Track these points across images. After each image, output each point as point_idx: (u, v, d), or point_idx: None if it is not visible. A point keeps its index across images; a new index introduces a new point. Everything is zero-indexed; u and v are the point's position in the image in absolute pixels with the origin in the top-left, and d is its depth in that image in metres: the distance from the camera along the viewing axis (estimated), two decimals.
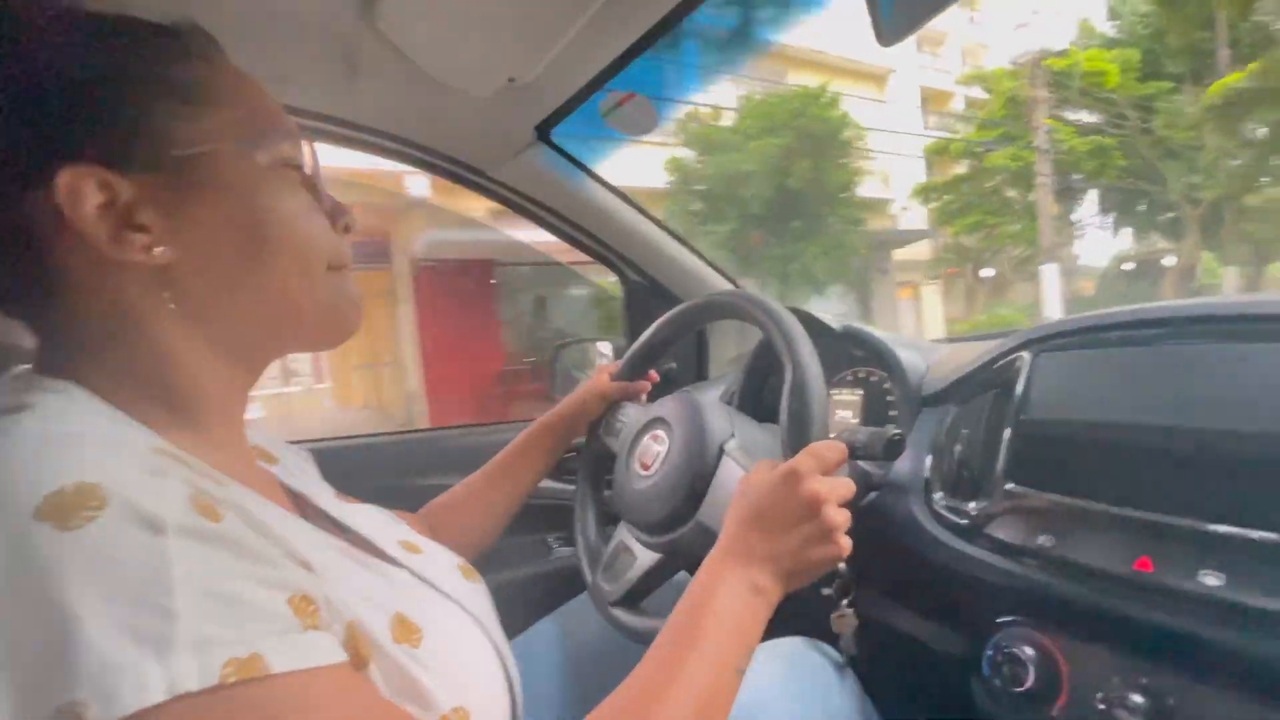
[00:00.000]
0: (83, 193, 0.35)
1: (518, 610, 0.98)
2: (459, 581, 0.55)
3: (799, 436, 0.58)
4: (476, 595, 0.55)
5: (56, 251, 0.37)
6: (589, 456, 0.88)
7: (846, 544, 0.52)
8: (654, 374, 0.91)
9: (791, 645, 0.73)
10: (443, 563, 0.56)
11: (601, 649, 0.79)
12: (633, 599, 0.70)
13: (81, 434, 0.34)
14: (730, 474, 0.68)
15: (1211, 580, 0.47)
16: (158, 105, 0.38)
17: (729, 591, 0.48)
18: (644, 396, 0.88)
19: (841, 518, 0.51)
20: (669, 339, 0.88)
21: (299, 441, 1.08)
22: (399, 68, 0.83)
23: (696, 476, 0.67)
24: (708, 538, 0.65)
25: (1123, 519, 0.53)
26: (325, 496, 0.54)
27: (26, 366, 0.40)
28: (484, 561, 0.78)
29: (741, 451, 0.70)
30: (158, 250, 0.37)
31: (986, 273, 14.99)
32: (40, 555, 0.27)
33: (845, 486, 0.52)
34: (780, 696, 0.65)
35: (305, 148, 0.45)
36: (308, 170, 0.45)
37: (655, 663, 0.45)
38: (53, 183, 0.35)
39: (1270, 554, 0.45)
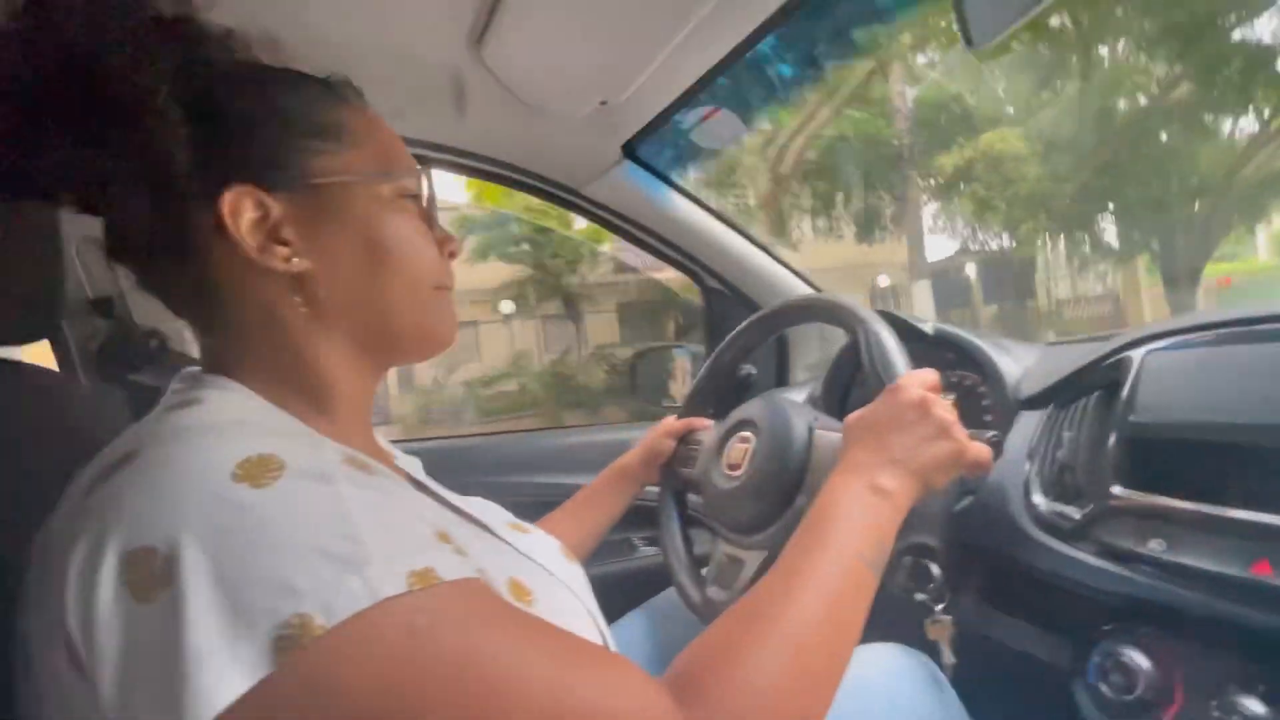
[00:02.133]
0: (242, 209, 0.42)
1: (603, 604, 1.02)
2: (563, 563, 0.59)
3: (887, 370, 0.61)
4: (576, 575, 0.59)
5: (212, 259, 0.44)
6: (667, 491, 0.89)
7: (972, 445, 0.53)
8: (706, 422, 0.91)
9: (886, 652, 0.73)
10: (548, 544, 0.61)
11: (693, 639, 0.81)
12: None
13: (247, 419, 0.41)
14: (824, 445, 0.69)
15: None
16: (305, 141, 0.45)
17: (851, 497, 0.50)
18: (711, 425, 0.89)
19: (953, 418, 0.53)
20: (734, 361, 0.90)
21: (410, 440, 1.18)
22: (500, 96, 0.91)
23: (790, 460, 0.69)
24: None
25: (1239, 522, 0.51)
26: (437, 487, 0.60)
27: (195, 367, 0.48)
28: None
29: (831, 429, 0.71)
30: (295, 261, 0.44)
31: None
32: (243, 508, 0.34)
33: (950, 410, 0.54)
34: (875, 704, 0.65)
35: (423, 182, 0.52)
36: (424, 202, 0.52)
37: (781, 568, 0.47)
38: (218, 199, 0.41)
39: None
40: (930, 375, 0.57)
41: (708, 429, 0.90)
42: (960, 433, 0.53)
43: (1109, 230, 9.69)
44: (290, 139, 0.45)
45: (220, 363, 0.46)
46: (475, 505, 0.60)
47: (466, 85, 0.91)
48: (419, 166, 0.53)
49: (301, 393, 0.46)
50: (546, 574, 0.53)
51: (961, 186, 9.67)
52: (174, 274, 0.45)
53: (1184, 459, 0.57)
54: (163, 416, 0.41)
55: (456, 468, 1.14)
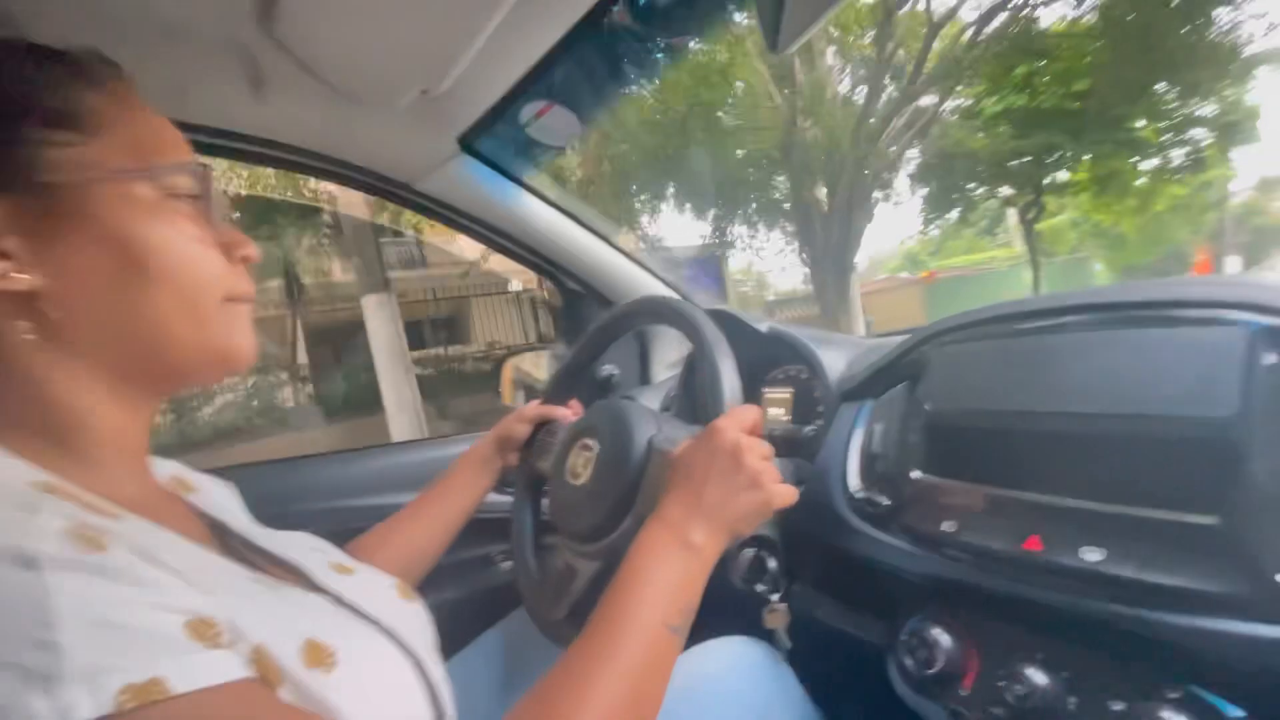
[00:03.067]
0: None
1: (463, 626, 0.96)
2: (394, 600, 0.55)
3: (714, 401, 0.61)
4: (411, 615, 0.55)
5: None
6: (522, 481, 0.87)
7: (778, 490, 0.54)
8: (575, 403, 0.91)
9: (728, 645, 0.74)
10: (377, 583, 0.56)
11: (547, 659, 0.79)
12: (578, 614, 0.69)
13: None
14: (659, 464, 0.68)
15: (1093, 555, 0.49)
16: (29, 130, 0.38)
17: (659, 554, 0.50)
18: (571, 416, 0.88)
19: (765, 466, 0.54)
20: (587, 359, 0.89)
21: (238, 466, 1.06)
22: (305, 81, 0.82)
23: (628, 473, 0.68)
24: None
25: (1015, 501, 0.55)
26: (245, 523, 0.54)
27: None
28: (426, 578, 0.78)
29: (669, 442, 0.71)
30: (17, 278, 0.37)
31: None
32: None
33: (763, 445, 0.55)
34: (718, 695, 0.66)
35: (200, 179, 0.44)
36: (204, 201, 0.44)
37: (589, 634, 0.46)
38: None
39: (1146, 529, 0.48)
40: (750, 415, 0.58)
41: (566, 418, 0.87)
42: (770, 480, 0.54)
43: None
44: (10, 128, 0.37)
45: None
46: (295, 543, 0.54)
47: (263, 66, 0.81)
48: (200, 160, 0.45)
49: (36, 432, 0.38)
50: (360, 621, 0.47)
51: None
52: None
53: (971, 445, 0.61)
54: None
55: (287, 493, 1.04)
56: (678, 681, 0.70)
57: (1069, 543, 0.51)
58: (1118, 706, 0.49)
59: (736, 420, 0.56)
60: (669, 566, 0.50)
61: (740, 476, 0.53)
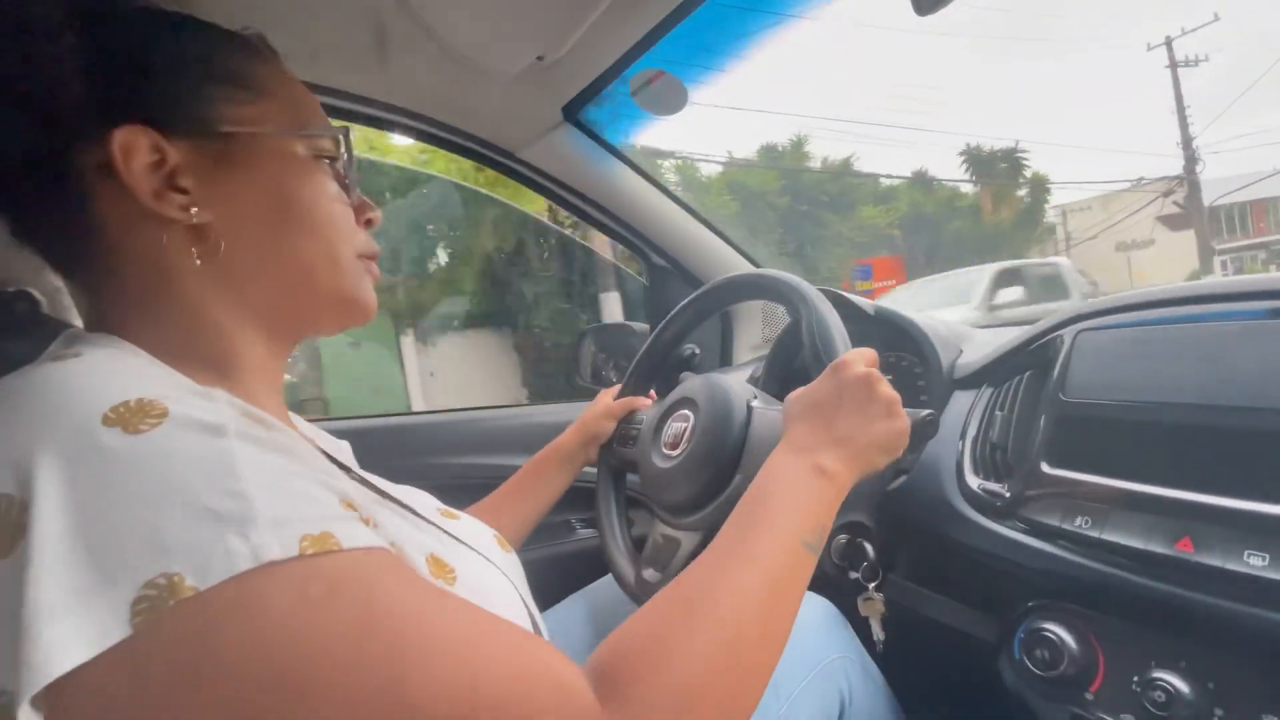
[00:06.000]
0: (135, 149, 0.39)
1: (541, 588, 0.99)
2: (496, 549, 0.57)
3: (827, 348, 0.61)
4: (510, 563, 0.57)
5: (99, 205, 0.40)
6: (605, 471, 0.87)
7: (906, 422, 0.53)
8: (654, 394, 0.90)
9: None
10: (479, 530, 0.58)
11: None
12: None
13: (130, 365, 0.37)
14: (763, 423, 0.68)
15: (1256, 560, 0.46)
16: (212, 87, 0.42)
17: (792, 476, 0.49)
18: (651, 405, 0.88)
19: (897, 395, 0.52)
20: (674, 339, 0.88)
21: (339, 420, 1.11)
22: (428, 45, 0.84)
23: (728, 438, 0.67)
24: None
25: (1163, 500, 0.52)
26: (361, 471, 0.56)
27: (78, 328, 0.43)
28: None
29: (769, 406, 0.70)
30: (194, 211, 0.41)
31: None
32: (112, 454, 0.29)
33: (892, 389, 0.54)
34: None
35: (342, 146, 0.49)
36: (342, 166, 0.49)
37: (716, 549, 0.45)
38: (108, 137, 0.38)
39: None
40: (871, 354, 0.56)
41: (647, 408, 0.87)
42: (902, 411, 0.52)
43: None
44: (195, 83, 0.42)
45: (106, 323, 0.41)
46: (404, 492, 0.57)
47: (389, 31, 0.83)
48: (340, 128, 0.49)
49: (199, 358, 0.42)
50: (475, 555, 0.50)
51: None
52: (55, 221, 0.41)
53: (1111, 438, 0.57)
54: (28, 371, 0.35)
55: (386, 450, 1.08)
56: None
57: (1226, 545, 0.48)
58: None
59: (861, 356, 0.55)
60: (801, 487, 0.48)
61: (874, 405, 0.51)
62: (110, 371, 0.35)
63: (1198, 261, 15.42)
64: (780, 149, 14.08)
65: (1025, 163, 16.81)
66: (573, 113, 1.03)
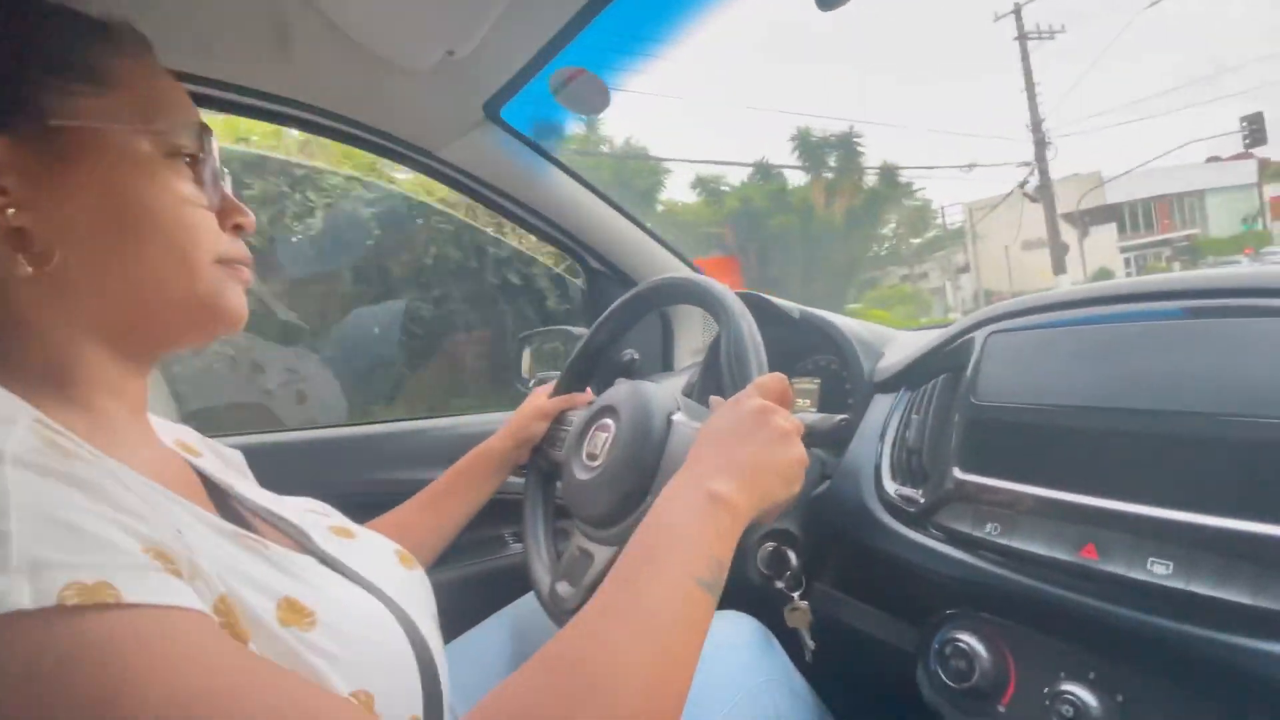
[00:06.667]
0: None
1: (473, 604, 0.94)
2: (394, 568, 0.54)
3: (741, 376, 0.58)
4: (411, 582, 0.53)
5: None
6: (535, 475, 0.85)
7: (803, 452, 0.51)
8: (589, 392, 0.88)
9: (719, 620, 0.71)
10: (377, 548, 0.55)
11: None
12: None
13: None
14: (681, 441, 0.65)
15: (1159, 568, 0.44)
16: (44, 77, 0.39)
17: (685, 505, 0.46)
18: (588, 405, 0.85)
19: (793, 426, 0.51)
20: (606, 342, 0.86)
21: (249, 434, 1.05)
22: (332, 39, 0.79)
23: (648, 451, 0.65)
24: None
25: (1069, 505, 0.50)
26: (249, 487, 0.53)
27: None
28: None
29: (690, 419, 0.68)
30: (10, 212, 0.37)
31: None
32: None
33: (792, 419, 0.52)
34: (707, 673, 0.62)
35: (206, 144, 0.45)
36: (205, 165, 0.45)
37: (611, 584, 0.41)
38: None
39: (1219, 541, 0.43)
40: (779, 382, 0.54)
41: (581, 406, 0.84)
42: (799, 443, 0.51)
43: None
44: (24, 71, 0.38)
45: None
46: (297, 506, 0.54)
47: (290, 23, 0.78)
48: (197, 123, 0.46)
49: (33, 374, 0.39)
50: (353, 587, 0.46)
51: None
52: None
53: (1020, 441, 0.56)
54: None
55: (298, 465, 1.02)
56: None
57: (1131, 553, 0.46)
58: None
59: (762, 388, 0.53)
60: (696, 517, 0.45)
61: (770, 432, 0.49)
62: None
63: (1049, 258, 14.27)
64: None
65: (860, 149, 14.63)
66: (494, 110, 0.99)
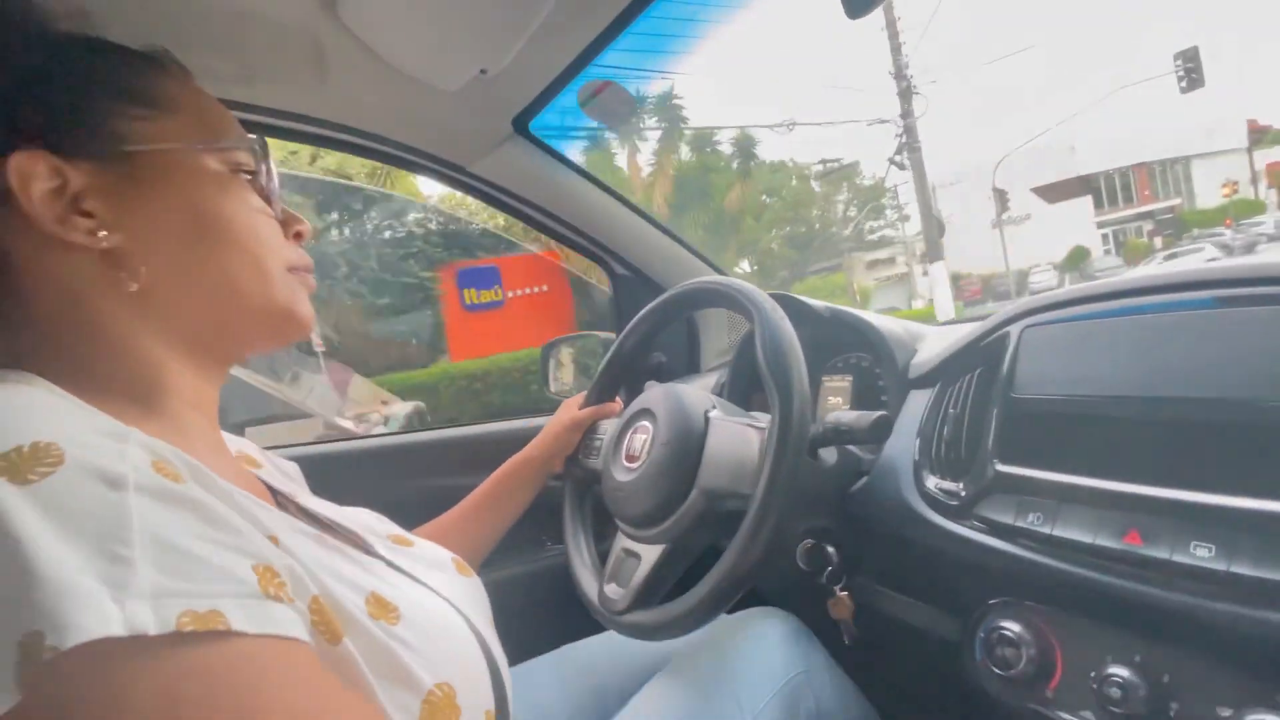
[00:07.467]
0: (33, 175, 0.37)
1: (514, 607, 0.97)
2: (451, 575, 0.55)
3: (781, 375, 0.61)
4: (468, 588, 0.55)
5: (1, 234, 0.38)
6: (572, 484, 0.87)
7: None
8: (619, 401, 0.90)
9: (757, 616, 0.75)
10: (434, 556, 0.56)
11: (610, 664, 0.78)
12: (646, 600, 0.68)
13: (35, 403, 0.34)
14: (721, 434, 0.67)
15: (1202, 551, 0.46)
16: (114, 105, 0.41)
17: None
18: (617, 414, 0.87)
19: None
20: (636, 348, 0.88)
21: (298, 445, 1.08)
22: (367, 63, 0.82)
23: (688, 449, 0.67)
24: (712, 503, 0.65)
25: (1110, 493, 0.52)
26: (308, 497, 0.55)
27: None
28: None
29: (726, 415, 0.70)
30: (101, 234, 0.39)
31: None
32: None
33: None
34: (745, 667, 0.67)
35: (261, 158, 0.48)
36: (263, 179, 0.48)
37: None
38: (3, 164, 0.37)
39: (1260, 523, 0.44)
40: None
41: (612, 416, 0.86)
42: None
43: None
44: (95, 102, 0.41)
45: (18, 358, 0.39)
46: (355, 517, 0.55)
47: (327, 49, 0.82)
48: (255, 139, 0.48)
49: (121, 392, 0.40)
50: (417, 585, 0.48)
51: None
52: None
53: (1059, 432, 0.58)
54: None
55: (345, 474, 1.06)
56: (705, 650, 0.70)
57: (1173, 537, 0.48)
58: (1225, 713, 0.45)
59: None
60: None
61: None
62: (9, 409, 0.32)
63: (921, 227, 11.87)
64: None
65: (683, 112, 11.89)
66: (523, 125, 1.02)
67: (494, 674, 0.48)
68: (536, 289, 8.00)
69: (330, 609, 0.38)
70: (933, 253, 11.11)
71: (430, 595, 0.48)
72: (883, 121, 11.45)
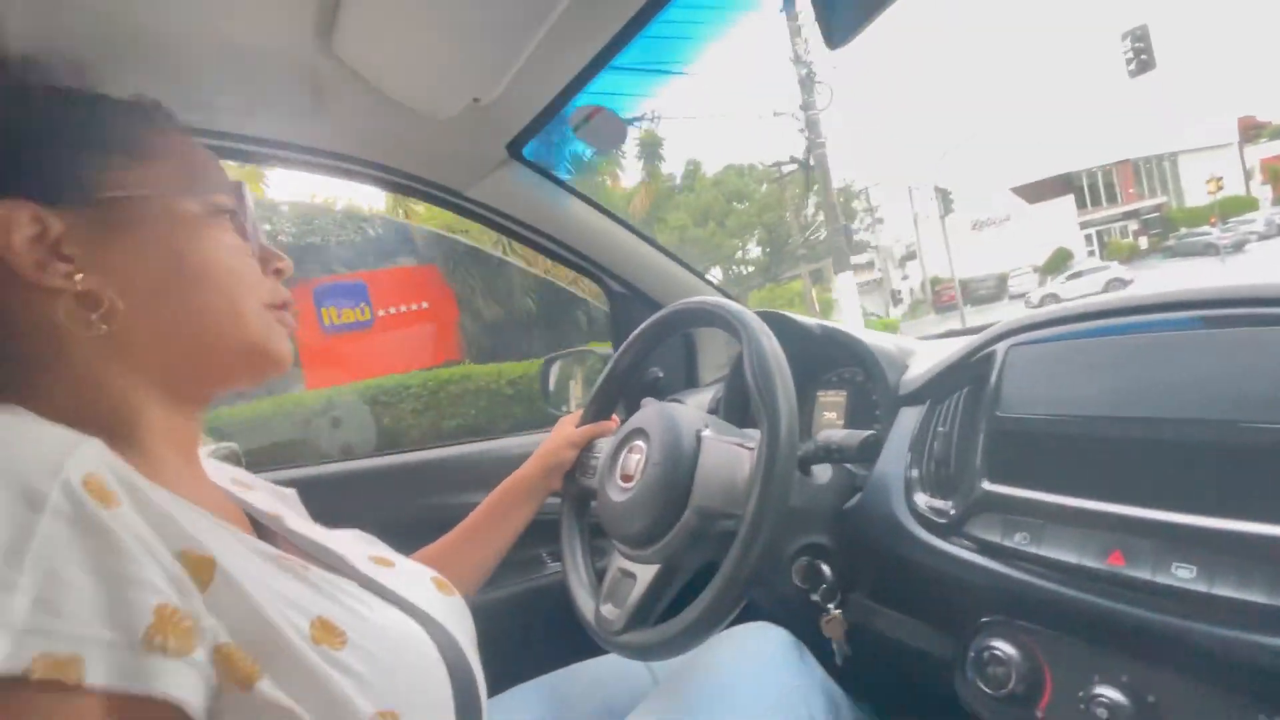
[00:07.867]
0: (16, 223, 0.39)
1: (514, 625, 0.97)
2: (431, 594, 0.55)
3: (768, 393, 0.61)
4: (449, 607, 0.55)
5: None
6: (568, 502, 0.87)
7: None
8: (615, 419, 0.90)
9: (750, 631, 0.75)
10: (415, 575, 0.57)
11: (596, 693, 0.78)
12: (641, 620, 0.69)
13: (6, 425, 0.36)
14: (714, 454, 0.68)
15: (1183, 572, 0.46)
16: (94, 156, 0.43)
17: None
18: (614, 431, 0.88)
19: None
20: (631, 366, 0.89)
21: (293, 468, 1.10)
22: (362, 93, 0.84)
23: (680, 469, 0.68)
24: (706, 522, 0.65)
25: (1095, 513, 0.52)
26: (299, 521, 0.55)
27: None
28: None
29: (719, 434, 0.71)
30: (78, 278, 0.41)
31: None
32: None
33: None
34: (737, 681, 0.67)
35: (241, 199, 0.50)
36: (241, 219, 0.49)
37: None
38: None
39: (1241, 545, 0.44)
40: None
41: (609, 434, 0.87)
42: None
43: None
44: (76, 154, 0.43)
45: (3, 388, 0.41)
46: (343, 537, 0.56)
47: (323, 81, 0.84)
48: (234, 183, 0.50)
49: (94, 424, 0.41)
50: (390, 608, 0.48)
51: None
52: None
53: (1045, 452, 0.58)
54: None
55: (344, 496, 1.07)
56: (699, 666, 0.70)
57: (1154, 558, 0.48)
58: None
59: None
60: None
61: None
62: None
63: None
64: None
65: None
66: (517, 149, 1.04)
67: (462, 698, 0.48)
68: (413, 306, 6.83)
69: (242, 652, 0.37)
70: (839, 263, 9.74)
71: (397, 617, 0.48)
72: (777, 114, 10.25)
